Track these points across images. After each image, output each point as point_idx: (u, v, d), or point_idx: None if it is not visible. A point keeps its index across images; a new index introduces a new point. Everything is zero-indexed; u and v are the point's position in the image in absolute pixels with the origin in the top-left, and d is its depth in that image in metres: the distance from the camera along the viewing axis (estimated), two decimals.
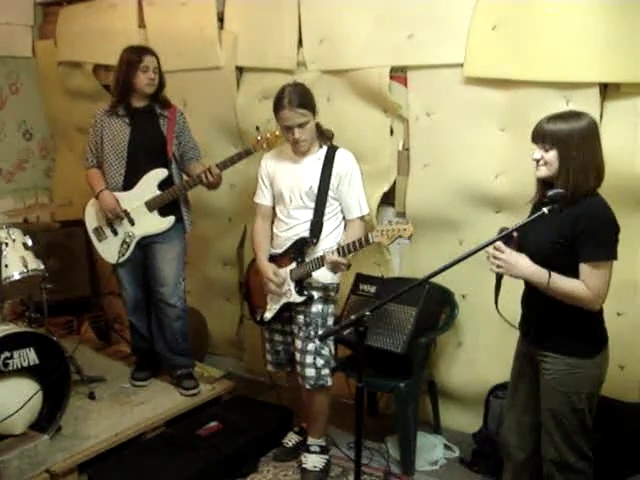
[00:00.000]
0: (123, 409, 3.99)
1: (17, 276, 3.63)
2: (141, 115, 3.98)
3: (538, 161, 2.52)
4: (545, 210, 2.35)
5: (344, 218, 3.47)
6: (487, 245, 2.36)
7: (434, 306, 3.74)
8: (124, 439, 3.71)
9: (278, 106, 3.27)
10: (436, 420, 3.96)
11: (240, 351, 4.71)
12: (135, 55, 3.91)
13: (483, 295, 3.67)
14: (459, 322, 3.82)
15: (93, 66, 5.06)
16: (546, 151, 2.48)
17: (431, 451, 3.76)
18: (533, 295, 2.59)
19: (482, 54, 3.49)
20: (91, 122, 4.07)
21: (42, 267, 3.78)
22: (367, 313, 2.34)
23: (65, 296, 4.71)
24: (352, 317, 2.40)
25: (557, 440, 2.58)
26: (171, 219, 4.03)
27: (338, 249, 3.21)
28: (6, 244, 3.52)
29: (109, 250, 4.09)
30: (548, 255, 2.47)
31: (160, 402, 4.06)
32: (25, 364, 3.42)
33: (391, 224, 3.12)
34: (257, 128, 3.74)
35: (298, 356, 3.47)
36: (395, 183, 3.92)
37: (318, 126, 3.39)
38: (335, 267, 3.25)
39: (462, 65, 3.55)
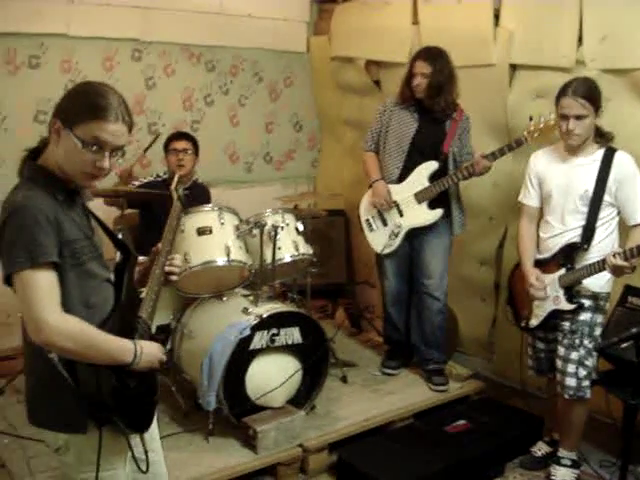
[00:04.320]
0: (373, 396, 4.11)
1: (288, 259, 3.82)
2: (430, 113, 4.05)
3: None
4: None
5: (617, 224, 3.30)
6: None
7: None
8: (373, 425, 3.83)
9: (561, 93, 3.20)
10: None
11: (490, 353, 4.63)
12: (411, 60, 4.06)
13: None
14: None
15: (365, 62, 5.19)
16: None
17: None
18: None
19: None
20: (379, 109, 4.23)
21: (311, 252, 3.96)
22: None
23: (322, 281, 4.91)
24: (633, 330, 2.26)
25: None
26: (439, 212, 4.06)
27: (622, 252, 3.02)
28: (281, 228, 3.71)
29: (378, 240, 4.23)
30: None
31: (409, 393, 4.13)
32: (290, 342, 3.63)
33: None
34: (530, 118, 3.65)
35: (559, 364, 3.36)
36: None
37: (597, 127, 3.25)
38: (618, 271, 3.07)
39: None
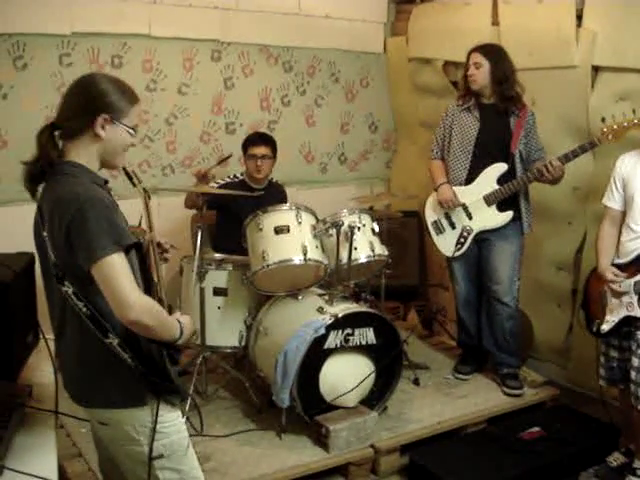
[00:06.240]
0: (445, 399, 4.09)
1: (363, 259, 3.80)
2: (491, 111, 4.03)
3: None
4: None
5: None
6: None
7: None
8: (445, 428, 3.81)
9: None
10: None
11: (565, 360, 4.54)
12: (467, 55, 4.05)
13: None
14: None
15: (443, 63, 5.14)
16: None
17: None
18: None
19: None
20: (442, 115, 4.23)
21: (386, 253, 3.94)
22: None
23: (394, 283, 4.87)
24: None
25: None
26: (509, 214, 4.02)
27: None
28: (358, 228, 3.71)
29: (446, 243, 4.20)
30: None
31: (483, 398, 4.09)
32: (364, 342, 3.64)
33: None
34: (602, 119, 3.57)
35: (633, 374, 3.27)
36: None
37: None
38: None
39: None
